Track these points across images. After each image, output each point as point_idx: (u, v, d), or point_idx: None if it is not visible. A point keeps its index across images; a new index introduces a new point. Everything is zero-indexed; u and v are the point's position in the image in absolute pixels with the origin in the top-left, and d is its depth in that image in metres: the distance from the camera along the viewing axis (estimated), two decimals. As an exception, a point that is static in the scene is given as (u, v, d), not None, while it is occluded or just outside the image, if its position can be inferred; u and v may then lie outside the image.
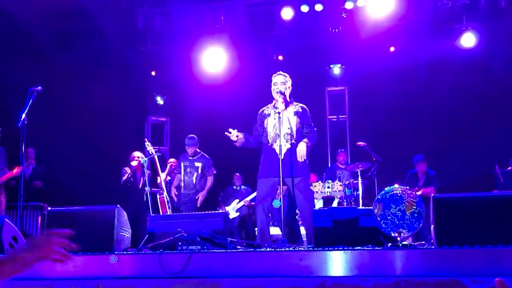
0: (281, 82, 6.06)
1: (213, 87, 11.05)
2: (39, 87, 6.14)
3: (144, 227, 8.84)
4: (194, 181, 8.49)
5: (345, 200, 8.71)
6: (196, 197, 8.45)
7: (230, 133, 6.02)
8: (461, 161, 9.72)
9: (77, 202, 8.27)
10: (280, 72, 6.20)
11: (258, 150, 6.31)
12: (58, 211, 5.00)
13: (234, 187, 10.35)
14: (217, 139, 9.67)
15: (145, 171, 8.13)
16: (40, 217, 8.22)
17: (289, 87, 6.12)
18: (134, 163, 8.75)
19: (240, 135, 6.04)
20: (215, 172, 8.68)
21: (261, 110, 6.24)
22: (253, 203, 9.52)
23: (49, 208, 5.12)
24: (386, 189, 4.45)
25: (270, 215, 6.76)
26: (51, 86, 7.06)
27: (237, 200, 9.82)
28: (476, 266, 3.83)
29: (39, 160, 9.30)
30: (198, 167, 8.53)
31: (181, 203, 8.56)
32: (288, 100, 6.08)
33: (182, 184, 8.54)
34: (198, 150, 8.60)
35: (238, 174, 10.35)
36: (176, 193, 8.71)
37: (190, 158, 8.55)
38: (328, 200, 8.70)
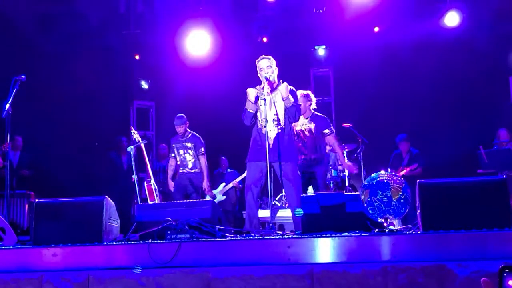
0: (267, 66, 5.92)
1: (198, 70, 11.00)
2: (23, 76, 6.11)
3: (131, 212, 8.85)
4: (188, 163, 8.13)
5: (331, 182, 8.78)
6: (203, 189, 8.10)
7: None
8: (446, 141, 9.83)
9: (63, 188, 8.27)
10: (263, 56, 6.03)
11: (244, 134, 6.27)
12: (46, 203, 4.97)
13: (220, 170, 10.37)
14: (203, 122, 9.69)
15: (132, 159, 8.07)
16: (27, 205, 8.17)
17: (275, 69, 6.02)
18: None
19: None
20: (203, 152, 8.22)
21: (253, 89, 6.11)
22: (241, 185, 9.54)
23: (36, 200, 5.10)
24: (372, 175, 4.49)
25: (259, 200, 6.76)
26: (34, 72, 7.00)
27: (223, 184, 9.84)
28: (461, 250, 3.90)
29: (24, 148, 9.24)
30: (189, 147, 8.16)
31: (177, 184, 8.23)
32: (276, 83, 5.98)
33: (179, 163, 8.22)
34: (188, 129, 8.24)
35: (224, 158, 10.37)
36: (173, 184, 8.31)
37: (181, 139, 8.20)
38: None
